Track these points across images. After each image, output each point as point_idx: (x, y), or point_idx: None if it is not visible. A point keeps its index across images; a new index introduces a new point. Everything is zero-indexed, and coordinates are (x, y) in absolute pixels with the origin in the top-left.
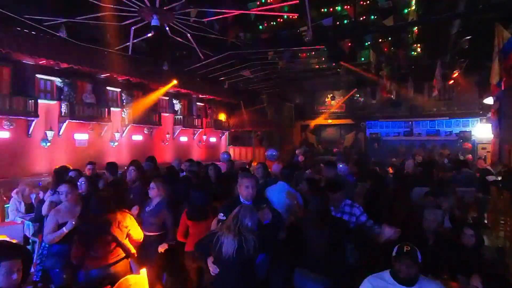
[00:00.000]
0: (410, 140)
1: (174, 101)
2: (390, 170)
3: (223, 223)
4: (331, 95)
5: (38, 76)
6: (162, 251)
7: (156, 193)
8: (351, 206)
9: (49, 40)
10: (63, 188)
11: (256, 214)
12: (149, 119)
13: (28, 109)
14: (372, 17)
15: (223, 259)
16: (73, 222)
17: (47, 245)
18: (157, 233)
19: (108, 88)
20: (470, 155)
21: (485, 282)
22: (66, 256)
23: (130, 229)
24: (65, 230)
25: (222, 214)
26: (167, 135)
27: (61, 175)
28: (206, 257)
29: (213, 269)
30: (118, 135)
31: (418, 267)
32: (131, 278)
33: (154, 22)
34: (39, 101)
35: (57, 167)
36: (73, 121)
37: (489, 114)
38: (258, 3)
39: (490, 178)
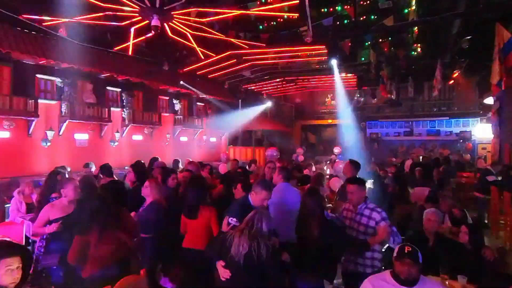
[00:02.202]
0: (410, 140)
1: (174, 101)
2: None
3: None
4: (331, 95)
5: (38, 76)
6: None
7: (149, 193)
8: (372, 210)
9: (49, 40)
10: (75, 183)
11: (271, 220)
12: (149, 119)
13: (28, 109)
14: (372, 17)
15: (233, 260)
16: (55, 230)
17: (43, 243)
18: (150, 235)
19: (108, 88)
20: (469, 155)
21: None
22: (63, 253)
23: None
24: (46, 231)
25: (235, 220)
26: (167, 135)
27: (52, 178)
28: (216, 261)
29: (223, 273)
30: (118, 135)
31: (419, 268)
32: (131, 278)
33: (154, 22)
34: (39, 101)
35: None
36: (73, 121)
37: (489, 114)
38: (258, 3)
39: (491, 178)
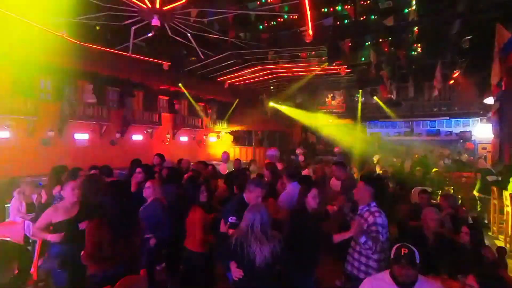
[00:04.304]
0: (410, 140)
1: (174, 101)
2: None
3: (236, 227)
4: (331, 95)
5: (38, 76)
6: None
7: (151, 193)
8: (370, 213)
9: (49, 40)
10: (71, 184)
11: (265, 210)
12: (149, 119)
13: (29, 109)
14: (372, 17)
15: (255, 268)
16: (58, 240)
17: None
18: (151, 234)
19: (109, 88)
20: (466, 155)
21: (482, 282)
22: (67, 256)
23: None
24: (47, 238)
25: (234, 218)
26: (167, 135)
27: (58, 175)
28: (228, 263)
29: (237, 273)
30: (119, 135)
31: (416, 269)
32: (131, 278)
33: (154, 22)
34: (40, 101)
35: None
36: (74, 121)
37: (490, 114)
38: (258, 3)
39: (491, 178)
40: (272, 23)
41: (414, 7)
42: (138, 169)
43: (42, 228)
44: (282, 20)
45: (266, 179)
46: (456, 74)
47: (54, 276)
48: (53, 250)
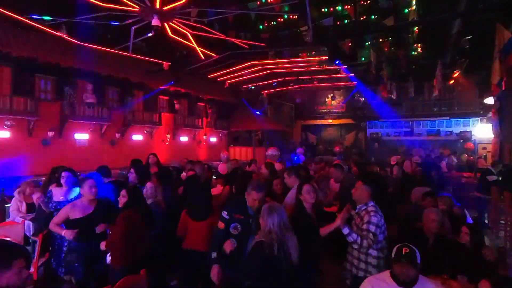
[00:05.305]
0: (410, 140)
1: (174, 101)
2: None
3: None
4: (331, 95)
5: (38, 76)
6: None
7: (151, 194)
8: (367, 213)
9: (49, 40)
10: (89, 182)
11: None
12: (149, 119)
13: (29, 109)
14: (373, 17)
15: (293, 265)
16: (71, 237)
17: (66, 241)
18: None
19: (108, 88)
20: (466, 155)
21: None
22: (84, 251)
23: None
24: (62, 233)
25: (225, 213)
26: (167, 135)
27: (52, 175)
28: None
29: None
30: (119, 135)
31: (417, 269)
32: (131, 278)
33: (155, 22)
34: (39, 101)
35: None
36: (74, 121)
37: (490, 114)
38: (259, 3)
39: (491, 178)
40: (272, 23)
41: (414, 7)
42: (131, 170)
43: (58, 224)
44: (282, 20)
45: (264, 178)
46: (456, 74)
47: (73, 269)
48: (73, 245)
